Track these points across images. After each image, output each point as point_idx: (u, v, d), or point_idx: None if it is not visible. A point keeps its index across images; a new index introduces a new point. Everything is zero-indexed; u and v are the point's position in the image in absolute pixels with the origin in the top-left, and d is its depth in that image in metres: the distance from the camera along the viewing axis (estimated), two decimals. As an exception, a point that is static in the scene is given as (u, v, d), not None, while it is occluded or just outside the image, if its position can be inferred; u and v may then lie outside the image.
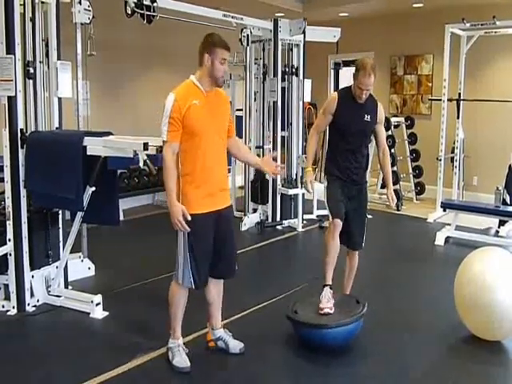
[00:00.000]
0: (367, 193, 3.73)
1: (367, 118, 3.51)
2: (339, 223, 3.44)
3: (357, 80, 3.41)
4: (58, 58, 3.97)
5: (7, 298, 3.85)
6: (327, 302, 3.36)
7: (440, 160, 6.94)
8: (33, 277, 3.89)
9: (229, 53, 2.95)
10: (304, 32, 6.17)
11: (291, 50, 6.47)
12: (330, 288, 3.43)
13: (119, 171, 5.67)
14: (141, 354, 3.21)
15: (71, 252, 4.06)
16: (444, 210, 6.03)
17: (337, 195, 3.52)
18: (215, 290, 3.19)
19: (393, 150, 7.74)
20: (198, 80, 2.94)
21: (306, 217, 6.54)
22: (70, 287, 4.20)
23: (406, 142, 8.14)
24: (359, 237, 3.63)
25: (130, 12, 4.68)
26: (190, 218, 2.85)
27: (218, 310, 3.26)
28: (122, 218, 5.85)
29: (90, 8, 4.24)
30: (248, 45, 6.08)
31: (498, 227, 6.18)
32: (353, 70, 3.46)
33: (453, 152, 7.20)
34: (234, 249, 3.20)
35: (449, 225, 5.89)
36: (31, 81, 3.86)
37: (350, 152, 3.53)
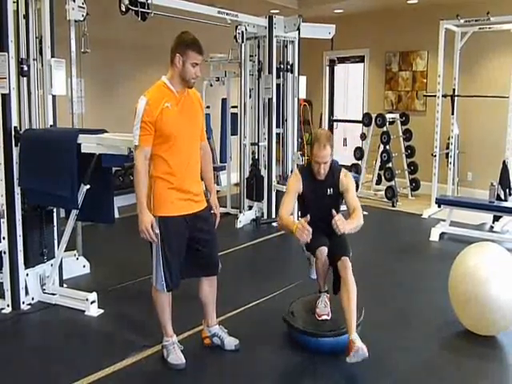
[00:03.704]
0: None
1: (330, 191, 3.30)
2: (324, 250, 3.22)
3: (312, 154, 3.22)
4: (52, 56, 3.95)
5: (2, 296, 3.84)
6: (324, 307, 3.38)
7: (435, 156, 6.97)
8: (27, 275, 3.89)
9: (202, 56, 2.87)
10: (299, 29, 6.15)
11: (286, 46, 6.48)
12: (327, 293, 3.44)
13: (114, 169, 5.68)
14: (136, 351, 3.21)
15: (66, 250, 4.05)
16: (439, 206, 6.04)
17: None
18: (209, 288, 3.18)
19: (388, 147, 7.76)
20: (169, 80, 2.90)
21: (301, 213, 6.55)
22: (64, 285, 4.19)
23: (401, 138, 8.15)
24: (344, 246, 3.27)
25: (124, 9, 4.67)
26: (157, 231, 2.84)
27: (213, 308, 3.26)
28: (117, 215, 5.84)
29: (84, 5, 4.22)
30: (243, 42, 6.07)
31: (493, 222, 6.21)
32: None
33: (447, 148, 7.22)
34: (215, 247, 3.14)
35: (443, 220, 5.92)
36: (25, 78, 3.85)
37: (319, 217, 3.17)
